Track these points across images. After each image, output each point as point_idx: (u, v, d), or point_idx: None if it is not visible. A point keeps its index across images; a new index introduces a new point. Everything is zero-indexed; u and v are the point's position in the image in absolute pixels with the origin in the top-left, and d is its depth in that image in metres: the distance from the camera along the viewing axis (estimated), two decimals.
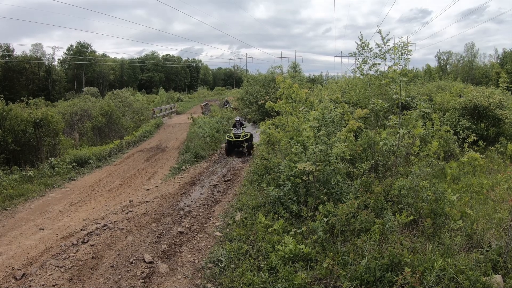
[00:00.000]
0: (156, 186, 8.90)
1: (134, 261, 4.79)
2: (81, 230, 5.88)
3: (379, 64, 8.88)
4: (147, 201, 7.43)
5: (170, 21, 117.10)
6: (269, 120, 10.72)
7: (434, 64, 57.94)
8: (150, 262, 4.78)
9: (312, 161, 5.79)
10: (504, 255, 4.06)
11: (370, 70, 9.13)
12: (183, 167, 10.81)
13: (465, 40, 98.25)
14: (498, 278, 3.75)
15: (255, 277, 4.08)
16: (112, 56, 72.11)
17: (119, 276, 4.44)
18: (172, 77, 78.26)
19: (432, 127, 8.58)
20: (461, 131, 9.80)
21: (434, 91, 15.53)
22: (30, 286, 4.25)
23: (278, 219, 5.49)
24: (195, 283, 4.30)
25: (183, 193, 8.13)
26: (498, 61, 53.40)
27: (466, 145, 8.88)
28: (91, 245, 5.22)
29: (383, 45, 8.22)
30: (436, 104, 12.28)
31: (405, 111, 7.65)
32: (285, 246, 4.43)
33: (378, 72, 9.08)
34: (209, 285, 4.21)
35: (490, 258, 4.05)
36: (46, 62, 54.92)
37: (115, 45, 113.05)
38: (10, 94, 33.12)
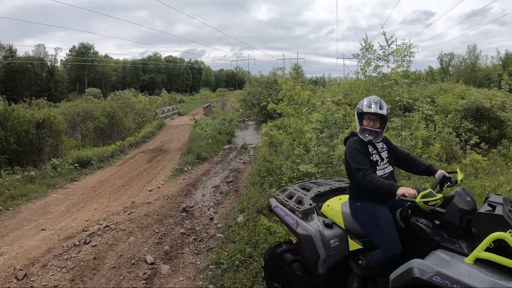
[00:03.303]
0: (158, 187, 8.91)
1: (136, 262, 4.79)
2: (83, 231, 5.88)
3: (382, 66, 8.87)
4: (149, 202, 7.43)
5: (173, 23, 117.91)
6: (271, 122, 10.72)
7: (436, 66, 57.71)
8: (152, 263, 4.77)
9: (314, 163, 5.79)
10: None
11: (374, 72, 9.12)
12: (185, 169, 10.82)
13: (467, 42, 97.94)
14: None
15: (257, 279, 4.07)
16: (115, 57, 72.44)
17: (121, 277, 4.44)
18: (174, 79, 78.37)
19: (435, 129, 8.56)
20: (463, 133, 9.79)
21: (437, 93, 15.51)
22: (32, 286, 4.25)
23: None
24: (197, 285, 4.29)
25: (185, 194, 8.13)
26: (500, 62, 53.20)
27: (468, 147, 8.86)
28: (93, 246, 5.22)
29: (386, 47, 8.22)
30: (438, 106, 12.26)
31: (407, 113, 7.64)
32: None
33: (381, 74, 9.07)
34: (211, 286, 4.21)
35: None
36: (49, 63, 55.12)
37: (118, 46, 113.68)
38: (13, 95, 33.27)
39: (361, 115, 2.96)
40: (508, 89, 12.86)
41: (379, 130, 2.92)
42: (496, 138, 10.62)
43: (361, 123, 2.96)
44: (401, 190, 2.50)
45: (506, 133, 10.87)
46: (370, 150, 2.93)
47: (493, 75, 46.79)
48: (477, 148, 8.96)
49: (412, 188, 2.51)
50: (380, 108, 2.89)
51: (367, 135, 2.92)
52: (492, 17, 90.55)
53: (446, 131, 8.91)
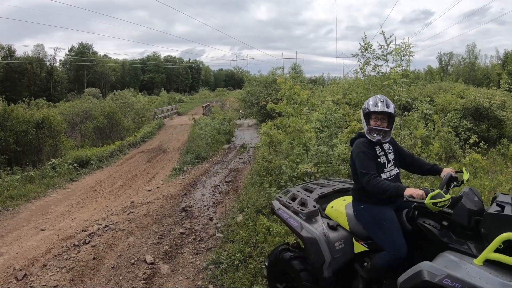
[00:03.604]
0: (158, 187, 8.90)
1: (135, 262, 4.79)
2: (82, 231, 5.87)
3: (381, 65, 8.88)
4: (148, 202, 7.43)
5: (172, 23, 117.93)
6: (270, 121, 10.71)
7: (435, 65, 57.73)
8: (152, 263, 4.77)
9: (314, 162, 5.80)
10: None
11: (373, 71, 9.13)
12: (185, 168, 10.81)
13: (466, 41, 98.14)
14: None
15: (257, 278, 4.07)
16: (114, 57, 72.23)
17: (121, 277, 4.44)
18: (173, 78, 78.30)
19: (434, 129, 8.56)
20: (462, 133, 9.79)
21: (436, 92, 15.52)
22: (32, 286, 4.25)
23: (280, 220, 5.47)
24: (196, 284, 4.29)
25: (185, 194, 8.13)
26: (499, 62, 53.26)
27: (467, 146, 8.86)
28: (93, 246, 5.22)
29: (385, 47, 8.23)
30: (437, 105, 12.27)
31: (406, 113, 7.64)
32: None
33: (380, 73, 9.08)
34: (210, 286, 4.21)
35: None
36: (48, 63, 54.98)
37: (117, 46, 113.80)
38: (12, 95, 33.21)
39: (368, 115, 2.85)
40: (507, 88, 12.88)
41: (387, 129, 2.82)
42: (495, 137, 10.63)
43: (368, 123, 2.86)
44: (408, 191, 2.43)
45: (505, 132, 10.89)
46: (377, 152, 2.83)
47: (492, 74, 46.83)
48: (476, 147, 8.95)
49: (419, 188, 2.44)
50: (387, 106, 2.79)
51: (375, 135, 2.81)
52: (491, 16, 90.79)
53: (445, 130, 8.91)
